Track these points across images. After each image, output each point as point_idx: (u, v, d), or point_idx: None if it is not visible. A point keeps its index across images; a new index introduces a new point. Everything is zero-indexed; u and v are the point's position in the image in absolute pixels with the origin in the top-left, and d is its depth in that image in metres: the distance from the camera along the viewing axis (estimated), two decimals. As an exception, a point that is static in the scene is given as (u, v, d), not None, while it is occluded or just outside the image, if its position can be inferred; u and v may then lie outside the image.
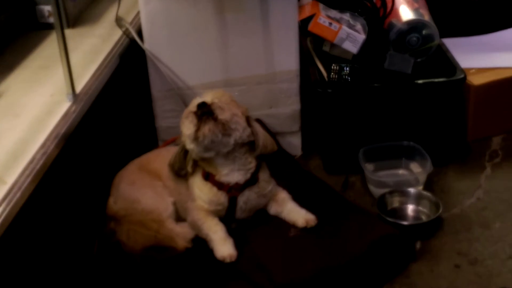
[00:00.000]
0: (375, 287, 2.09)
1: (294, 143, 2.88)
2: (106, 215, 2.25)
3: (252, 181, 2.12)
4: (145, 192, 2.19)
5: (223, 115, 2.00)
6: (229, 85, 2.72)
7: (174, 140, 2.75)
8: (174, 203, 2.20)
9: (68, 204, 2.10)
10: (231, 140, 2.03)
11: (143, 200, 2.18)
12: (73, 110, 2.15)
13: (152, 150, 2.50)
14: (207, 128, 1.98)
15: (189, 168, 2.12)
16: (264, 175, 2.17)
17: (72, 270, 2.08)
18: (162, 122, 2.83)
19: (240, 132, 2.04)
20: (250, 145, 2.10)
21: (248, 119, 2.10)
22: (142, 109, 2.88)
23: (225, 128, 2.00)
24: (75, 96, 2.23)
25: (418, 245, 2.28)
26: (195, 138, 2.00)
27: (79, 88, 2.29)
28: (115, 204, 2.22)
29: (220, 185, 2.09)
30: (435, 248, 2.26)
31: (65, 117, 2.11)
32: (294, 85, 2.75)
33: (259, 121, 2.49)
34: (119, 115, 2.67)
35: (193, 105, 2.05)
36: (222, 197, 2.10)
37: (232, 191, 2.10)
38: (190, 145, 2.04)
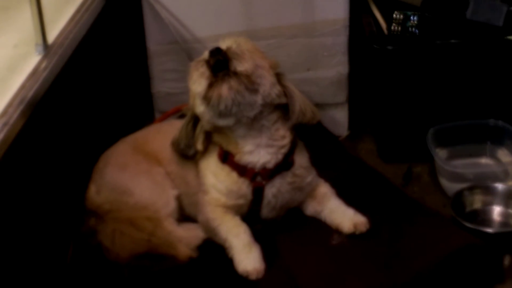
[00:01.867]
0: (448, 316, 2.10)
1: (338, 119, 2.88)
2: (85, 208, 2.26)
3: (285, 165, 2.11)
4: (140, 180, 2.20)
5: (242, 66, 1.99)
6: (252, 38, 2.67)
7: (177, 111, 2.76)
8: (178, 198, 2.21)
9: (36, 193, 2.11)
10: (259, 99, 2.02)
11: (137, 191, 2.19)
12: (43, 67, 2.16)
13: (149, 124, 2.51)
14: (226, 86, 1.97)
15: (199, 146, 2.12)
16: (301, 159, 2.16)
17: (40, 284, 2.10)
18: (160, 86, 2.84)
19: (268, 88, 2.04)
20: (282, 113, 2.11)
21: (279, 76, 2.10)
22: (135, 69, 2.89)
23: (250, 82, 1.99)
24: (46, 47, 2.22)
25: (506, 260, 2.27)
26: (207, 98, 2.00)
27: (51, 37, 2.28)
28: (97, 194, 2.24)
29: (241, 169, 2.09)
30: (529, 265, 2.26)
31: (33, 76, 2.11)
32: (340, 40, 2.75)
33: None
34: (104, 75, 2.67)
35: (204, 55, 2.05)
36: (244, 187, 2.10)
37: (258, 178, 2.10)
38: (200, 108, 2.04)
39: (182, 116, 2.39)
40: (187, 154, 2.15)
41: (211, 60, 2.00)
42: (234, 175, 2.10)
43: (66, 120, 2.32)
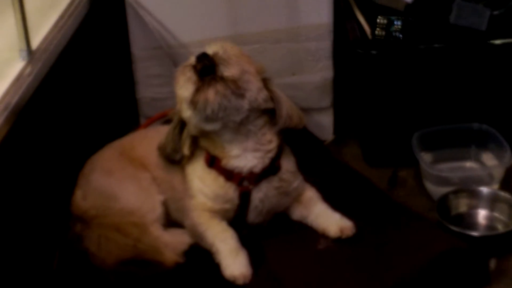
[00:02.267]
0: (434, 320, 2.10)
1: (324, 124, 2.88)
2: (70, 214, 2.25)
3: (271, 169, 2.12)
4: (126, 186, 2.20)
5: (229, 71, 2.00)
6: (237, 43, 2.66)
7: (162, 116, 2.76)
8: (164, 203, 2.20)
9: (21, 200, 2.10)
10: (245, 103, 2.02)
11: (123, 196, 2.18)
12: (27, 73, 2.15)
13: (134, 129, 2.50)
14: (212, 91, 1.97)
15: (186, 150, 2.12)
16: (288, 164, 2.16)
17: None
18: (146, 91, 2.83)
19: (254, 93, 2.04)
20: (269, 118, 2.11)
21: (265, 81, 2.10)
22: (119, 74, 2.88)
23: (236, 87, 1.99)
24: (30, 53, 2.22)
25: (492, 263, 2.27)
26: (194, 103, 2.00)
27: (35, 42, 2.27)
28: (83, 200, 2.23)
29: (228, 174, 2.09)
30: (515, 268, 2.26)
31: (17, 82, 2.10)
32: (325, 45, 2.75)
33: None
34: (88, 80, 2.66)
35: (191, 60, 2.05)
36: (231, 191, 2.10)
37: (245, 183, 2.09)
38: (187, 112, 2.04)
39: (167, 121, 2.39)
40: (174, 159, 2.14)
41: (198, 65, 2.00)
42: (221, 179, 2.09)
43: (51, 126, 2.31)
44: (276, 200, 2.15)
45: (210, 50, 2.04)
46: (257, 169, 2.09)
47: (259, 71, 2.09)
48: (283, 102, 2.11)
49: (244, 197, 2.11)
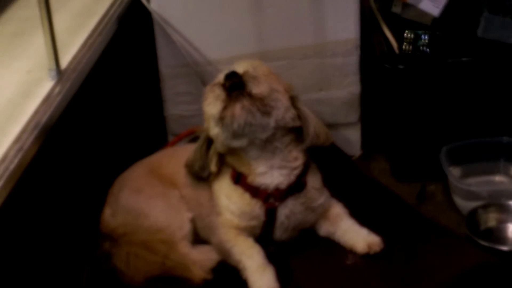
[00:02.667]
0: (464, 336, 2.08)
1: (351, 139, 2.88)
2: (99, 232, 2.26)
3: (297, 186, 2.12)
4: (155, 203, 2.21)
5: (258, 89, 2.00)
6: (264, 60, 2.68)
7: (190, 133, 2.77)
8: (192, 220, 2.21)
9: (51, 217, 2.11)
10: (271, 121, 2.02)
11: (152, 214, 2.19)
12: (57, 92, 2.17)
13: (162, 147, 2.51)
14: (239, 105, 1.98)
15: (213, 167, 2.13)
16: (314, 181, 2.16)
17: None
18: (173, 109, 2.85)
19: (282, 112, 2.04)
20: (295, 135, 2.11)
21: (293, 99, 2.10)
22: (148, 92, 2.90)
23: (263, 105, 2.00)
24: (59, 73, 2.23)
25: (523, 279, 2.25)
26: (222, 119, 2.00)
27: (64, 62, 2.29)
28: (113, 218, 2.24)
29: (254, 190, 2.09)
30: (546, 283, 2.24)
31: (47, 101, 2.12)
32: (352, 60, 2.76)
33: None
34: (117, 99, 2.69)
35: (220, 77, 2.06)
36: (257, 208, 2.10)
37: (271, 200, 2.10)
38: (214, 130, 2.05)
39: (194, 139, 2.40)
40: (201, 176, 2.15)
41: (227, 83, 2.01)
42: (247, 196, 2.10)
43: (80, 144, 2.33)
44: (302, 216, 2.15)
45: (239, 68, 2.05)
46: (283, 186, 2.09)
47: (287, 89, 2.09)
48: (310, 120, 2.11)
49: (270, 214, 2.11)
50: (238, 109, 1.97)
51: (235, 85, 2.00)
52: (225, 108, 1.99)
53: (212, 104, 2.03)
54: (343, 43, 2.73)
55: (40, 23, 2.18)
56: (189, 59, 2.72)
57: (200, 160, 2.13)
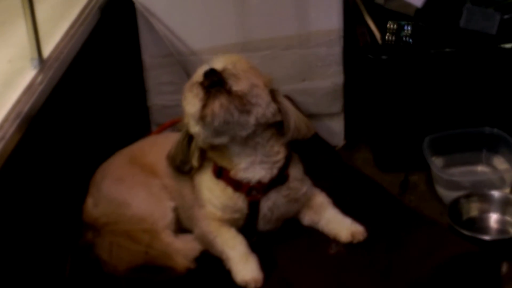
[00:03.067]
0: (446, 325, 2.09)
1: (334, 129, 2.88)
2: (82, 222, 2.25)
3: (279, 179, 2.11)
4: (137, 193, 2.20)
5: (238, 86, 1.99)
6: (247, 50, 2.73)
7: (173, 123, 2.76)
8: (175, 209, 2.20)
9: (33, 207, 2.10)
10: (251, 119, 2.01)
11: (134, 203, 2.18)
12: (39, 81, 2.15)
13: (145, 137, 2.50)
14: (218, 103, 1.96)
15: (195, 162, 2.12)
16: (295, 172, 2.16)
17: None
18: (157, 99, 2.84)
19: (263, 108, 2.03)
20: (276, 129, 2.10)
21: (273, 93, 2.09)
22: (130, 82, 2.89)
23: (242, 103, 1.99)
24: (42, 62, 2.22)
25: (504, 268, 2.27)
26: (202, 118, 1.99)
27: (47, 51, 2.28)
28: (95, 207, 2.23)
29: (236, 185, 2.09)
30: (527, 272, 2.26)
31: (29, 90, 2.11)
32: (335, 50, 2.76)
33: (287, 98, 2.48)
34: (100, 89, 2.67)
35: (199, 75, 2.05)
36: (239, 201, 2.10)
37: (253, 192, 2.09)
38: (195, 128, 2.04)
39: (177, 129, 2.39)
40: (183, 170, 2.14)
41: (205, 81, 1.99)
42: (229, 190, 2.09)
43: (62, 133, 2.32)
44: (285, 208, 2.15)
45: (218, 64, 2.02)
46: (265, 180, 2.09)
47: (267, 84, 2.06)
48: (291, 114, 2.09)
49: (253, 207, 2.10)
50: (217, 107, 1.95)
51: (214, 83, 1.97)
52: (204, 106, 1.97)
53: (191, 103, 2.01)
54: (326, 33, 2.73)
55: (22, 12, 2.17)
56: (172, 49, 2.72)
57: (182, 154, 2.12)
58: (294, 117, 2.10)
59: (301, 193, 2.17)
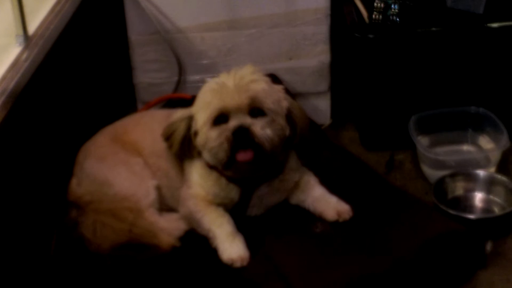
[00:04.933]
0: (431, 303, 2.10)
1: (321, 108, 2.88)
2: (66, 200, 2.24)
3: (274, 172, 2.11)
4: (119, 171, 2.19)
5: (266, 143, 1.95)
6: (234, 28, 2.71)
7: (159, 101, 2.75)
8: (158, 188, 2.19)
9: (18, 186, 2.09)
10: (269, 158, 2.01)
11: (116, 182, 2.17)
12: (24, 58, 2.13)
13: (130, 115, 2.49)
14: (244, 160, 1.95)
15: (194, 155, 2.10)
16: (290, 163, 2.15)
17: (24, 275, 2.08)
18: (143, 77, 2.83)
19: (283, 141, 2.03)
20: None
21: (289, 111, 2.05)
22: (116, 60, 2.87)
23: (266, 156, 1.98)
24: (27, 39, 2.20)
25: (489, 246, 2.28)
26: (227, 166, 1.99)
27: (32, 28, 2.26)
28: (78, 186, 2.22)
29: (230, 177, 2.08)
30: (511, 250, 2.25)
31: (14, 67, 2.09)
32: (322, 29, 2.75)
33: (273, 76, 2.47)
34: (85, 66, 2.65)
35: (215, 107, 1.97)
36: (232, 192, 2.10)
37: (247, 183, 2.09)
38: (206, 155, 2.03)
39: (165, 106, 2.37)
40: (180, 159, 2.13)
41: (232, 137, 1.96)
42: (223, 181, 2.09)
43: (48, 111, 2.31)
44: (276, 197, 2.16)
45: (229, 80, 1.98)
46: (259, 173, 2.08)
47: (282, 99, 2.04)
48: (299, 121, 2.07)
49: (245, 196, 2.11)
50: (243, 165, 1.97)
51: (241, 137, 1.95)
52: (229, 156, 1.97)
53: (217, 147, 1.97)
54: (313, 11, 2.72)
55: (7, -12, 2.15)
56: (159, 27, 2.70)
57: (180, 148, 2.09)
58: (301, 123, 2.08)
59: (294, 181, 2.17)
